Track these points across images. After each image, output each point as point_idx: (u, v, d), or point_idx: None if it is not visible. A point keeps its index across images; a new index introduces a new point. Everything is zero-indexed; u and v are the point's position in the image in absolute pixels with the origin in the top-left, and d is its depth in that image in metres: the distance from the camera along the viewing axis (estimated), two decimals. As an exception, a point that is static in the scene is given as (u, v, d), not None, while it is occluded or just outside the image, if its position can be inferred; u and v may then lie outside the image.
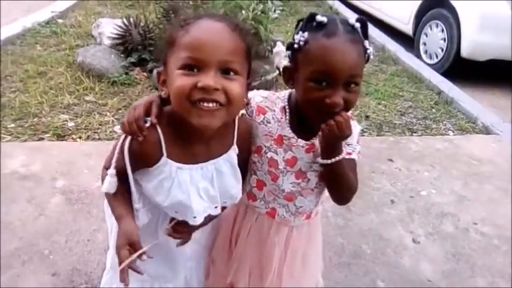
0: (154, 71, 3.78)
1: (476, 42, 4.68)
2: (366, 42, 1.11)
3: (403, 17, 5.76)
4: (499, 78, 5.03)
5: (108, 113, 3.38)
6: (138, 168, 1.14)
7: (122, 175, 1.12)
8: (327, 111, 1.09)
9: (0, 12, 5.15)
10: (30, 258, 2.03)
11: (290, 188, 1.28)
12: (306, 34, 1.11)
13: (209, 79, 0.96)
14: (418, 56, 5.35)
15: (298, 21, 1.17)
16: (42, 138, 3.01)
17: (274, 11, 4.12)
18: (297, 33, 1.13)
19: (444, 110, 4.00)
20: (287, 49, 1.18)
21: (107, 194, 1.17)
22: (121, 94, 3.67)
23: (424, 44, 5.40)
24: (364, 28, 1.12)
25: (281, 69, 1.24)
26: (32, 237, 2.14)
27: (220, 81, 0.98)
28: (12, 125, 3.12)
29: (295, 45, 1.13)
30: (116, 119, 3.31)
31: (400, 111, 3.91)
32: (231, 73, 1.01)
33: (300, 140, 1.22)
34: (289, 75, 1.18)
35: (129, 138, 1.08)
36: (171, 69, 1.02)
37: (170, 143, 1.10)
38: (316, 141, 1.21)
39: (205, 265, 1.51)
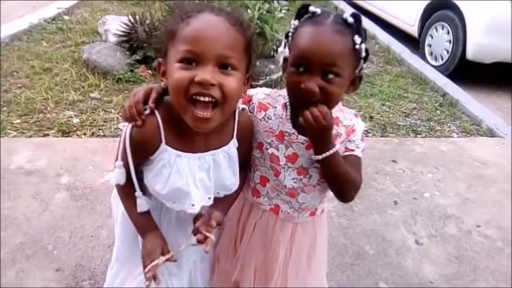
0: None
1: (481, 45, 4.67)
2: (357, 37, 1.09)
3: (408, 19, 5.74)
4: (504, 81, 5.01)
5: (112, 110, 3.39)
6: (142, 158, 1.15)
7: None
8: (304, 100, 1.10)
9: (0, 10, 5.16)
10: (34, 253, 2.04)
11: (292, 184, 1.29)
12: (296, 22, 1.15)
13: (206, 73, 0.98)
14: (423, 58, 5.33)
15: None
16: (47, 134, 3.02)
17: (280, 10, 4.11)
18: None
19: (449, 112, 3.99)
20: (285, 37, 1.20)
21: (124, 201, 1.21)
22: (126, 91, 3.68)
23: (429, 45, 5.38)
24: (358, 23, 1.11)
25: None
26: (36, 233, 2.15)
27: (217, 76, 0.99)
28: (18, 121, 3.13)
29: (289, 34, 1.17)
30: (120, 116, 3.32)
31: (405, 112, 3.90)
32: (229, 68, 1.02)
33: (300, 136, 1.23)
34: (286, 64, 1.19)
35: (129, 127, 1.09)
36: (170, 62, 1.03)
37: (169, 131, 1.11)
38: None
39: (210, 262, 1.51)
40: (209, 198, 1.21)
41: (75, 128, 3.12)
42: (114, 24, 4.34)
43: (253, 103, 1.28)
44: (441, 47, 5.14)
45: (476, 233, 2.46)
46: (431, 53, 5.35)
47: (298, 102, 1.14)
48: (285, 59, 1.20)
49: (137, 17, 4.12)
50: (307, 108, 1.09)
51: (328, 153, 1.16)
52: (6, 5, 5.77)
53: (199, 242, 1.17)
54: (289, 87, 1.17)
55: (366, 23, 6.45)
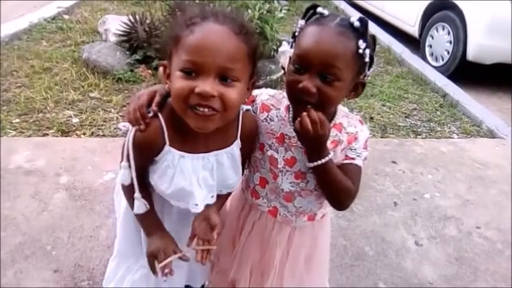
0: (160, 69, 3.78)
1: (482, 46, 4.66)
2: (361, 42, 1.08)
3: (409, 19, 5.74)
4: (505, 82, 5.00)
5: (112, 110, 3.38)
6: (147, 159, 1.16)
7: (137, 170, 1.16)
8: (301, 100, 1.09)
9: (0, 10, 5.15)
10: (33, 253, 2.03)
11: (289, 188, 1.28)
12: (303, 22, 1.15)
13: (206, 85, 0.99)
14: (424, 58, 5.33)
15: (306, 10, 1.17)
16: (47, 134, 3.02)
17: (281, 10, 4.11)
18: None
19: (449, 112, 3.98)
20: (292, 37, 1.19)
21: (129, 201, 1.22)
22: (126, 91, 3.67)
23: (430, 46, 5.38)
24: (364, 28, 1.09)
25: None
26: (35, 233, 2.15)
27: (217, 87, 1.00)
28: (17, 120, 3.13)
29: (295, 33, 1.16)
30: (120, 116, 3.31)
31: (405, 113, 3.89)
32: (229, 80, 1.02)
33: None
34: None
35: (133, 130, 1.10)
36: (174, 68, 1.04)
37: (173, 132, 1.13)
38: None
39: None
40: (212, 196, 1.23)
41: (74, 128, 3.11)
42: (114, 24, 4.34)
43: (256, 104, 1.27)
44: (442, 48, 5.14)
45: (476, 235, 2.45)
46: (431, 54, 5.34)
47: (295, 102, 1.14)
48: (290, 58, 1.19)
49: (137, 16, 4.11)
50: (303, 110, 1.08)
51: (320, 162, 1.15)
52: (6, 5, 5.76)
53: (199, 260, 1.23)
54: (287, 86, 1.16)
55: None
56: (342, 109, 1.26)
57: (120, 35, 4.14)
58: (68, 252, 2.06)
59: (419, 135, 3.56)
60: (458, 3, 4.87)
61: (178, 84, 1.01)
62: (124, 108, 3.40)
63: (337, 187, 1.20)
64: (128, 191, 1.21)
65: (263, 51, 3.82)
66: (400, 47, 5.44)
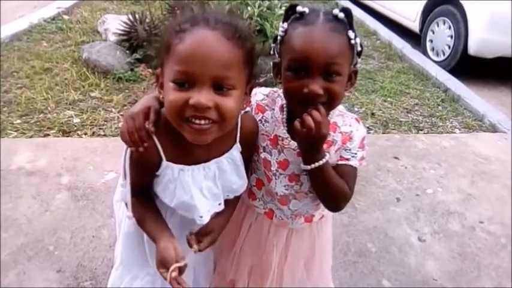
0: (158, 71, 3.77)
1: (483, 40, 4.64)
2: (351, 33, 1.07)
3: (409, 14, 5.71)
4: (507, 76, 4.97)
5: (113, 109, 3.38)
6: (147, 176, 1.14)
7: (139, 186, 1.14)
8: (308, 103, 1.06)
9: (0, 11, 5.15)
10: (36, 254, 2.04)
11: (283, 191, 1.26)
12: (285, 25, 1.11)
13: (201, 97, 0.94)
14: (425, 53, 5.31)
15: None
16: (48, 135, 3.02)
17: (280, 7, 4.10)
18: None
19: (451, 107, 3.96)
20: (273, 42, 1.17)
21: (135, 213, 1.17)
22: (126, 90, 3.67)
23: (431, 41, 5.35)
24: (349, 18, 1.09)
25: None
26: (37, 233, 2.15)
27: (212, 98, 0.95)
28: (18, 121, 3.13)
29: (278, 37, 1.13)
30: (121, 115, 3.31)
31: (406, 108, 3.88)
32: (225, 88, 0.97)
33: (292, 142, 1.18)
34: (277, 69, 1.15)
35: (129, 150, 1.08)
36: (166, 78, 1.00)
37: (169, 145, 1.09)
38: None
39: (214, 259, 1.51)
40: (219, 204, 1.20)
41: (75, 128, 3.11)
42: (114, 23, 4.33)
43: (251, 105, 1.24)
44: (443, 43, 5.11)
45: (480, 229, 2.44)
46: (432, 49, 5.32)
47: (300, 107, 1.08)
48: (275, 64, 1.16)
49: (137, 15, 4.11)
50: (307, 111, 1.05)
51: (317, 164, 1.12)
52: (6, 5, 5.76)
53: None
54: (289, 93, 1.12)
55: (367, 19, 6.42)
56: (337, 108, 1.22)
57: (120, 35, 4.13)
58: (71, 252, 2.06)
59: (421, 130, 3.55)
60: (458, -3, 4.86)
61: (171, 97, 0.97)
62: (125, 108, 3.40)
63: (331, 189, 1.18)
64: (145, 218, 1.18)
65: (263, 49, 3.81)
66: (401, 42, 5.41)
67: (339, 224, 2.34)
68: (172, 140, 1.08)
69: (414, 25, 5.66)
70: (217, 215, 1.22)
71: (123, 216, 1.35)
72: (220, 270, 1.51)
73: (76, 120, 3.20)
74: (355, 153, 1.20)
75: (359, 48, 1.11)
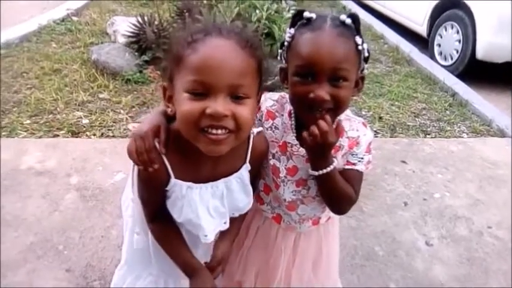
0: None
1: (492, 44, 4.62)
2: (358, 38, 1.08)
3: (417, 18, 5.70)
4: (515, 81, 4.96)
5: (122, 111, 3.40)
6: (157, 192, 1.13)
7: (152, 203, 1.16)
8: (314, 109, 1.06)
9: (0, 11, 5.19)
10: (45, 253, 2.05)
11: (291, 197, 1.26)
12: (292, 30, 1.11)
13: (218, 105, 0.92)
14: (432, 58, 5.29)
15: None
16: (57, 135, 3.04)
17: (288, 10, 4.12)
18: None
19: (458, 112, 3.95)
20: (280, 47, 1.17)
21: (155, 236, 1.20)
22: (135, 92, 3.69)
23: (439, 45, 5.34)
24: (356, 24, 1.09)
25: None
26: (46, 233, 2.17)
27: (229, 106, 0.94)
28: (28, 121, 3.16)
29: (285, 43, 1.13)
30: (129, 116, 3.33)
31: (414, 112, 3.87)
32: (241, 97, 0.96)
33: (301, 149, 1.18)
34: (284, 75, 1.15)
35: (137, 169, 1.07)
36: (178, 89, 0.98)
37: (178, 163, 1.08)
38: None
39: None
40: (225, 222, 1.19)
41: (84, 129, 3.13)
42: (123, 25, 4.37)
43: (261, 111, 1.24)
44: (451, 47, 5.10)
45: (487, 234, 2.43)
46: (440, 53, 5.31)
47: (306, 112, 1.09)
48: (282, 69, 1.16)
49: (145, 17, 4.14)
50: (316, 118, 1.06)
51: (325, 171, 1.13)
52: (16, 7, 5.82)
53: None
54: (295, 98, 1.12)
55: (375, 22, 6.41)
56: (344, 112, 1.21)
57: (128, 36, 4.16)
58: (80, 252, 2.07)
59: (428, 134, 3.55)
60: (467, 1, 4.84)
61: (186, 107, 0.94)
62: (133, 109, 3.42)
63: (338, 194, 1.19)
64: (171, 243, 1.20)
65: (271, 52, 3.82)
66: (408, 46, 5.40)
67: (347, 227, 2.35)
68: (180, 156, 1.07)
69: (422, 29, 5.65)
70: (222, 236, 1.23)
71: (128, 215, 1.37)
72: (228, 271, 1.52)
73: (85, 121, 3.22)
74: (362, 158, 1.20)
75: (366, 54, 1.11)
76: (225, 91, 0.93)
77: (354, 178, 1.20)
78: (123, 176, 2.56)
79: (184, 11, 4.24)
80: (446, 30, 5.20)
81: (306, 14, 1.09)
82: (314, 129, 1.05)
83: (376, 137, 3.36)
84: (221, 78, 0.93)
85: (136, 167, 1.07)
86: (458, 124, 3.76)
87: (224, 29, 0.99)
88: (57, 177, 2.58)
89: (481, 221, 2.54)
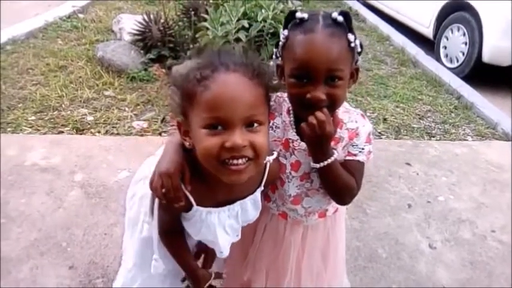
0: (174, 68, 3.80)
1: (498, 47, 4.60)
2: (350, 35, 1.09)
3: (423, 20, 5.69)
4: (521, 84, 4.94)
5: (126, 108, 3.41)
6: (178, 216, 1.22)
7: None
8: (311, 108, 1.08)
9: (0, 11, 5.20)
10: (48, 250, 2.06)
11: (296, 191, 1.29)
12: (286, 32, 1.13)
13: (236, 138, 0.96)
14: (438, 60, 5.28)
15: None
16: (62, 132, 3.05)
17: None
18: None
19: (464, 115, 3.94)
20: (275, 46, 1.19)
21: (164, 241, 1.28)
22: (140, 90, 3.69)
23: (445, 47, 5.32)
24: (348, 22, 1.10)
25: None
26: (50, 229, 2.17)
27: (246, 137, 0.98)
28: (33, 118, 3.16)
29: (280, 43, 1.15)
30: (134, 114, 3.34)
31: (419, 114, 3.86)
32: (255, 125, 1.00)
33: (302, 143, 1.21)
34: (281, 72, 1.18)
35: (159, 202, 1.16)
36: (194, 126, 1.01)
37: (198, 190, 1.13)
38: None
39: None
40: (237, 235, 1.27)
41: (89, 126, 3.14)
42: (129, 23, 4.37)
43: None
44: (457, 49, 5.09)
45: (491, 238, 2.42)
46: (446, 55, 5.29)
47: (304, 111, 1.11)
48: (278, 66, 1.19)
49: (151, 15, 4.14)
50: (313, 113, 1.08)
51: (326, 162, 1.16)
52: (22, 4, 5.84)
53: None
54: (293, 99, 1.16)
55: (380, 24, 6.37)
56: (343, 105, 1.24)
57: (134, 34, 4.16)
58: (83, 249, 2.08)
59: (433, 137, 3.53)
60: (474, 4, 4.82)
61: (206, 143, 0.98)
62: (138, 107, 3.43)
63: (340, 185, 1.21)
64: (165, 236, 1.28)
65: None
66: (414, 48, 5.39)
67: (350, 228, 2.34)
68: (200, 184, 1.12)
69: (428, 31, 5.63)
70: None
71: (138, 217, 1.40)
72: (230, 272, 1.52)
73: (90, 118, 3.23)
74: (363, 148, 1.23)
75: (359, 50, 1.13)
76: (240, 123, 0.97)
77: (355, 169, 1.23)
78: (127, 174, 2.56)
79: (190, 9, 4.24)
80: (452, 32, 5.18)
81: (298, 15, 1.10)
82: (312, 119, 1.08)
83: (381, 138, 3.35)
84: (236, 112, 0.96)
85: (157, 205, 1.16)
86: (463, 127, 3.75)
87: (231, 63, 1.01)
88: (61, 174, 2.58)
89: (484, 224, 2.53)
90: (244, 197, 1.21)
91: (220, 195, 1.17)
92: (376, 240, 2.32)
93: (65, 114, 3.24)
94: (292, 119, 1.22)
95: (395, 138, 3.42)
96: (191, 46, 3.93)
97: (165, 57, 4.01)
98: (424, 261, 2.22)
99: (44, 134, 3.01)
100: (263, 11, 3.79)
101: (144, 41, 4.09)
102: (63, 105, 3.35)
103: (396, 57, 5.19)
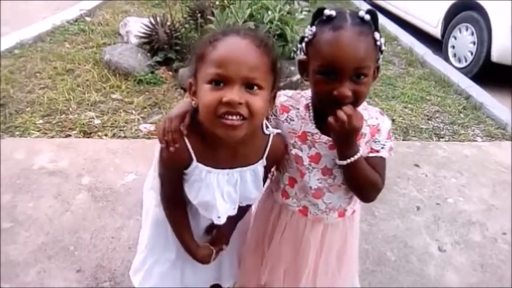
0: (180, 70, 3.81)
1: (507, 47, 4.54)
2: (376, 34, 1.12)
3: (431, 20, 5.65)
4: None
5: (133, 111, 3.41)
6: (177, 172, 1.25)
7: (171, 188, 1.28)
8: (336, 104, 1.10)
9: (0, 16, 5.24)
10: (56, 253, 2.06)
11: (317, 185, 1.29)
12: (314, 28, 1.15)
13: (233, 94, 1.04)
14: (447, 60, 5.24)
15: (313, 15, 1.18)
16: (69, 135, 3.06)
17: (301, 11, 4.09)
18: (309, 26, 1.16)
19: (473, 115, 3.90)
20: (299, 42, 1.20)
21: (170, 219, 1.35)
22: (146, 93, 3.70)
23: (453, 47, 5.28)
24: (375, 20, 1.13)
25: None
26: (58, 233, 2.17)
27: (244, 95, 1.05)
28: (41, 121, 3.18)
29: (306, 39, 1.16)
30: (141, 117, 3.34)
31: (427, 115, 3.83)
32: (255, 88, 1.07)
33: (323, 136, 1.23)
34: (303, 67, 1.20)
35: (160, 148, 1.19)
36: (200, 83, 1.10)
37: (200, 148, 1.19)
38: None
39: (239, 256, 1.57)
40: (234, 208, 1.30)
41: (96, 129, 3.14)
42: (136, 26, 4.38)
43: (276, 106, 1.29)
44: (465, 49, 5.04)
45: (502, 241, 2.39)
46: (454, 55, 5.25)
47: (329, 106, 1.13)
48: (300, 62, 1.21)
49: (158, 18, 4.14)
50: (337, 109, 1.10)
51: (353, 159, 1.17)
52: (30, 7, 5.88)
53: None
54: (319, 95, 1.17)
55: (388, 24, 6.34)
56: None
57: (141, 37, 4.17)
58: (90, 253, 2.08)
59: (442, 138, 3.50)
60: (482, 3, 4.78)
61: (206, 97, 1.07)
62: (145, 110, 3.43)
63: (365, 181, 1.22)
64: (168, 202, 1.32)
65: (283, 53, 3.81)
66: (422, 48, 5.36)
67: (359, 231, 2.31)
68: (202, 143, 1.19)
69: (436, 31, 5.59)
70: (227, 219, 1.31)
71: (150, 204, 1.46)
72: (246, 271, 1.53)
73: (97, 121, 3.24)
74: (384, 144, 1.25)
75: (383, 48, 1.15)
76: (239, 82, 1.05)
77: (378, 165, 1.24)
78: (135, 177, 2.56)
79: (197, 12, 4.24)
80: (460, 32, 5.14)
81: (327, 12, 1.12)
82: (341, 114, 1.09)
83: (389, 140, 3.32)
84: (236, 71, 1.04)
85: (159, 150, 1.19)
86: (473, 127, 3.71)
87: (241, 31, 1.12)
88: (68, 177, 2.59)
89: (495, 226, 2.50)
90: (245, 167, 1.25)
91: (221, 158, 1.21)
92: (385, 243, 2.30)
93: (72, 118, 3.25)
94: (311, 113, 1.24)
95: (403, 140, 3.40)
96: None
97: (172, 60, 4.01)
98: (434, 264, 2.20)
99: (52, 137, 3.02)
100: (269, 12, 3.78)
101: (151, 43, 4.10)
102: (70, 109, 3.36)
103: (404, 57, 5.16)
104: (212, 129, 1.10)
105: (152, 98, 3.61)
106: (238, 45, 1.08)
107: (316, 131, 1.24)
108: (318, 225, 1.38)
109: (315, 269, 1.42)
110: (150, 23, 4.11)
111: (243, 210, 1.38)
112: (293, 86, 3.64)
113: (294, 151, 1.28)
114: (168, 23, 4.14)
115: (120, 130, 3.16)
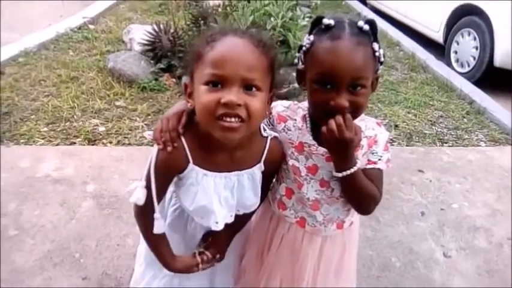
0: (184, 78, 3.83)
1: (510, 51, 4.53)
2: (375, 45, 1.10)
3: (433, 25, 5.66)
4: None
5: (138, 119, 3.43)
6: (170, 178, 1.20)
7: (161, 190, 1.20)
8: (333, 115, 1.08)
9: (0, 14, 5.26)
10: (61, 261, 2.07)
11: (315, 196, 1.28)
12: (311, 37, 1.13)
13: (232, 95, 1.01)
14: (449, 65, 5.23)
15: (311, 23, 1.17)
16: (74, 143, 3.07)
17: (303, 18, 4.12)
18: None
19: (476, 120, 3.90)
20: (298, 51, 1.19)
21: (140, 221, 1.27)
22: (150, 100, 3.72)
23: (455, 52, 5.29)
24: (374, 29, 1.11)
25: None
26: (63, 241, 2.18)
27: (242, 97, 1.02)
28: (45, 129, 3.19)
29: (304, 48, 1.15)
30: (145, 124, 3.35)
31: (431, 120, 3.83)
32: (253, 89, 1.05)
33: (320, 148, 1.21)
34: (301, 76, 1.19)
35: (156, 150, 1.13)
36: (197, 84, 1.07)
37: (197, 151, 1.16)
38: None
39: (235, 273, 1.52)
40: (231, 215, 1.25)
41: (101, 136, 3.16)
42: (139, 33, 4.41)
43: (272, 116, 1.29)
44: (467, 54, 5.05)
45: (507, 246, 2.39)
46: (457, 60, 5.25)
47: (326, 117, 1.11)
48: (299, 71, 1.20)
49: (161, 25, 4.17)
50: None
51: (349, 172, 1.15)
52: (33, 15, 5.93)
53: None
54: (315, 105, 1.16)
55: (390, 29, 6.35)
56: None
57: (144, 44, 4.19)
58: (96, 260, 2.08)
59: (445, 143, 3.50)
60: (484, 8, 4.78)
61: (204, 98, 1.04)
62: (149, 117, 3.44)
63: (363, 194, 1.20)
64: (143, 212, 1.21)
65: (286, 59, 3.82)
66: (424, 53, 5.36)
67: (363, 237, 2.31)
68: (199, 145, 1.15)
69: (438, 36, 5.60)
70: (224, 229, 1.26)
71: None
72: (247, 282, 1.51)
73: (101, 128, 3.25)
74: (382, 156, 1.23)
75: (382, 59, 1.14)
76: (238, 83, 1.02)
77: (376, 177, 1.22)
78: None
79: (200, 19, 4.27)
80: (463, 36, 5.15)
81: (325, 21, 1.11)
82: (331, 122, 1.07)
83: (392, 145, 3.32)
84: (235, 71, 1.02)
85: (155, 153, 1.13)
86: (476, 132, 3.71)
87: (240, 31, 1.11)
88: (73, 185, 2.60)
89: (500, 232, 2.49)
90: (243, 171, 1.22)
91: (219, 161, 1.18)
92: (390, 249, 2.29)
93: (76, 125, 3.26)
94: (308, 124, 1.23)
95: (407, 145, 3.40)
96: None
97: (175, 67, 4.03)
98: (439, 270, 2.19)
99: (57, 145, 3.03)
100: (272, 19, 3.80)
101: (154, 51, 4.12)
102: (75, 116, 3.38)
103: (406, 62, 5.16)
104: (209, 131, 1.08)
105: (156, 105, 3.63)
106: (237, 45, 1.06)
107: (313, 142, 1.22)
108: (316, 237, 1.36)
109: (314, 281, 1.40)
110: (154, 30, 4.13)
111: (240, 220, 1.32)
112: (296, 92, 3.65)
113: (291, 162, 1.27)
114: (171, 30, 4.17)
115: (125, 137, 3.17)
